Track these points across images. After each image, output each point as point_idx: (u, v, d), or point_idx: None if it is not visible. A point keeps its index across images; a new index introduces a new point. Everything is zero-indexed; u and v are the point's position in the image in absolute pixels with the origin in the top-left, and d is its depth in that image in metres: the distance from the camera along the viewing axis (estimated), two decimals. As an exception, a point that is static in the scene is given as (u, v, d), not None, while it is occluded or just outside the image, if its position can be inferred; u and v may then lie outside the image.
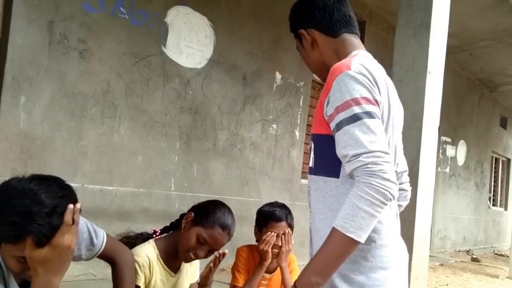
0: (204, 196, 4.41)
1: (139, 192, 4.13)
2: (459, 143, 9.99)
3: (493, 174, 12.04)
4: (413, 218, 2.61)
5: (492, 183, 12.03)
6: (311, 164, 1.30)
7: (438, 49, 2.82)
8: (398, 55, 2.86)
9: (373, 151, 1.07)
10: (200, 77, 4.64)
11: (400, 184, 1.35)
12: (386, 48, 6.75)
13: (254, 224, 2.35)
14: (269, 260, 2.21)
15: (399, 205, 1.44)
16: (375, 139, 1.09)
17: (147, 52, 4.14)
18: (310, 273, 1.10)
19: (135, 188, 4.11)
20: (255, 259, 2.30)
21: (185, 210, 1.89)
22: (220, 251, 1.77)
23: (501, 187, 12.54)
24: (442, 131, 8.84)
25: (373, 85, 1.16)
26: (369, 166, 1.06)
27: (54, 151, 3.50)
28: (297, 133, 5.88)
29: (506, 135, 12.31)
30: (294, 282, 1.14)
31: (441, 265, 7.67)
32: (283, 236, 2.22)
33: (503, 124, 12.14)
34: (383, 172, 1.05)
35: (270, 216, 2.25)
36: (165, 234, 1.88)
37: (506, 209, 12.62)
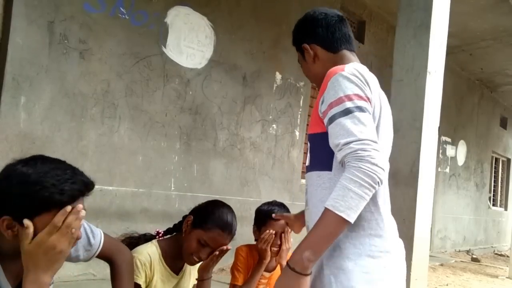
0: (204, 196, 4.40)
1: (139, 192, 4.13)
2: (459, 143, 9.99)
3: (493, 174, 12.04)
4: (413, 218, 2.61)
5: (492, 183, 12.03)
6: (307, 163, 1.39)
7: (438, 49, 2.82)
8: (398, 55, 2.86)
9: (363, 139, 1.16)
10: (200, 77, 4.64)
11: None
12: (386, 48, 6.77)
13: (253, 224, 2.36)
14: (268, 259, 2.22)
15: None
16: (364, 129, 1.18)
17: (147, 52, 4.15)
18: (302, 250, 1.16)
19: (135, 188, 4.11)
20: (254, 258, 2.30)
21: (185, 210, 1.89)
22: (224, 247, 1.76)
23: (501, 187, 12.54)
24: (442, 131, 8.85)
25: (365, 85, 1.25)
26: (358, 152, 1.15)
27: (54, 151, 3.50)
28: (297, 133, 5.88)
29: (506, 135, 12.32)
30: (287, 261, 1.19)
31: (441, 265, 7.68)
32: (282, 234, 2.22)
33: (503, 124, 12.14)
34: (371, 158, 1.14)
35: (268, 215, 2.26)
36: (168, 236, 1.88)
37: (506, 209, 12.62)
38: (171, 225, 1.91)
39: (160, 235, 1.87)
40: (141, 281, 1.66)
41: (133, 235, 1.88)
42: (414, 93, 2.73)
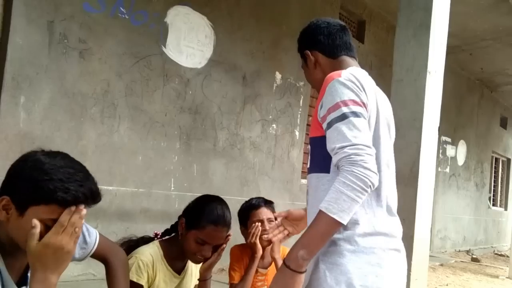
0: (204, 196, 4.41)
1: (139, 192, 4.13)
2: (459, 143, 9.99)
3: (493, 174, 12.04)
4: (413, 218, 2.61)
5: (492, 183, 12.03)
6: (308, 165, 1.45)
7: (438, 49, 2.82)
8: (398, 55, 2.86)
9: (356, 144, 1.21)
10: (200, 77, 4.64)
11: None
12: (386, 48, 6.76)
13: None
14: (260, 252, 2.23)
15: None
16: (359, 134, 1.23)
17: (147, 52, 4.14)
18: (297, 249, 1.22)
19: (135, 188, 4.11)
20: (249, 256, 2.31)
21: (185, 210, 1.89)
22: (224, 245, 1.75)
23: (501, 187, 12.54)
24: (442, 131, 8.84)
25: (361, 90, 1.31)
26: (351, 156, 1.20)
27: (54, 151, 3.50)
28: (297, 133, 5.88)
29: (506, 135, 12.32)
30: (284, 259, 1.25)
31: (441, 265, 7.68)
32: (272, 223, 2.24)
33: (503, 124, 12.14)
34: (364, 162, 1.19)
35: (248, 208, 2.31)
36: (167, 236, 1.87)
37: (506, 209, 12.62)
38: (171, 225, 1.91)
39: (159, 236, 1.87)
40: (143, 281, 1.66)
41: (131, 238, 1.87)
42: (414, 93, 2.73)
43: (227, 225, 1.76)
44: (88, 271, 3.63)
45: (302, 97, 5.93)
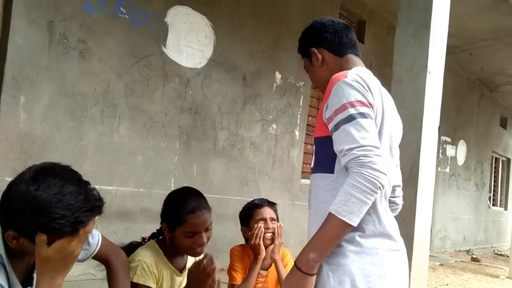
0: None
1: (139, 192, 4.13)
2: (459, 143, 9.99)
3: (493, 174, 12.03)
4: (413, 218, 2.61)
5: (492, 183, 12.03)
6: (312, 165, 1.45)
7: (438, 49, 2.82)
8: (398, 55, 2.86)
9: (365, 146, 1.21)
10: (200, 77, 4.64)
11: (392, 197, 1.49)
12: (386, 48, 6.76)
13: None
14: (263, 254, 2.22)
15: None
16: (367, 135, 1.23)
17: (147, 52, 4.14)
18: (308, 252, 1.24)
19: (135, 188, 4.11)
20: (249, 257, 2.31)
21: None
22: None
23: (501, 187, 12.54)
24: (442, 131, 8.85)
25: (367, 91, 1.30)
26: (360, 158, 1.20)
27: (54, 151, 3.50)
28: (297, 133, 5.88)
29: (506, 135, 12.31)
30: (294, 261, 1.26)
31: (441, 265, 7.67)
32: (274, 229, 2.24)
33: (503, 124, 12.14)
34: (373, 163, 1.19)
35: (251, 207, 2.32)
36: (161, 237, 1.86)
37: (506, 209, 12.62)
38: (156, 230, 1.90)
39: (147, 240, 1.85)
40: (150, 282, 1.66)
41: (120, 246, 1.84)
42: (414, 93, 2.73)
43: (205, 207, 1.74)
44: (88, 271, 3.63)
45: (302, 97, 5.93)
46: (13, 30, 3.29)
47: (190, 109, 4.56)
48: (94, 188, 1.19)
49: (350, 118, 1.24)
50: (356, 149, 1.21)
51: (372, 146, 1.22)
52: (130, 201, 4.06)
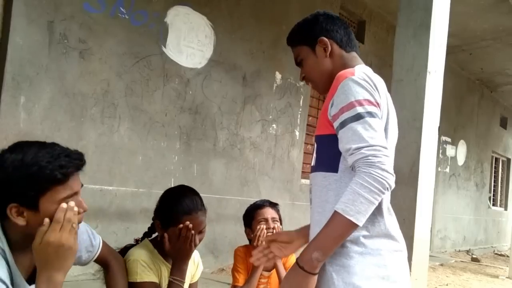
0: (204, 196, 4.43)
1: (139, 192, 4.13)
2: (459, 143, 9.99)
3: (493, 174, 12.03)
4: (413, 218, 2.61)
5: (492, 183, 12.03)
6: (313, 163, 1.41)
7: (438, 49, 2.82)
8: (398, 55, 2.86)
9: (373, 145, 1.19)
10: (200, 77, 4.64)
11: None
12: (386, 48, 6.76)
13: None
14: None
15: None
16: (375, 135, 1.21)
17: (147, 52, 4.14)
18: (311, 250, 1.21)
19: (135, 188, 4.11)
20: None
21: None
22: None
23: (501, 187, 12.54)
24: (442, 131, 8.85)
25: (374, 90, 1.28)
26: (369, 158, 1.18)
27: (54, 151, 3.50)
28: (297, 133, 5.88)
29: (506, 135, 12.32)
30: (296, 259, 1.23)
31: (441, 265, 7.68)
32: (273, 231, 2.24)
33: (503, 124, 12.14)
34: (382, 164, 1.18)
35: (253, 208, 2.33)
36: (154, 235, 1.84)
37: (506, 209, 12.62)
38: (148, 228, 1.87)
39: (140, 241, 1.83)
40: (153, 277, 1.65)
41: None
42: (414, 93, 2.73)
43: (201, 209, 1.72)
44: (88, 271, 3.63)
45: (302, 97, 5.93)
46: (13, 30, 3.29)
47: (190, 109, 4.56)
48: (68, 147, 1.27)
49: (358, 117, 1.22)
50: (365, 148, 1.19)
51: (381, 146, 1.20)
52: (130, 201, 4.06)
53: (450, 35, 3.10)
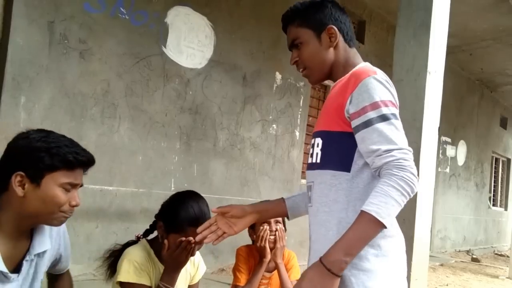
0: (204, 196, 4.44)
1: (139, 192, 4.13)
2: (459, 143, 9.99)
3: (493, 174, 12.03)
4: (413, 218, 2.61)
5: (492, 183, 12.03)
6: (315, 160, 1.34)
7: (438, 49, 2.82)
8: (398, 55, 2.86)
9: (403, 148, 1.19)
10: (200, 77, 4.64)
11: None
12: (386, 48, 6.76)
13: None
14: (269, 257, 2.22)
15: None
16: (403, 138, 1.21)
17: (147, 52, 4.15)
18: (339, 252, 1.16)
19: (135, 188, 4.11)
20: (255, 258, 2.31)
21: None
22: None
23: (501, 187, 12.54)
24: (442, 131, 8.85)
25: (394, 92, 1.29)
26: (400, 161, 1.17)
27: (54, 151, 3.50)
28: (297, 133, 5.88)
29: (506, 135, 12.31)
30: (320, 259, 1.18)
31: (441, 265, 7.67)
32: (276, 232, 2.23)
33: (503, 124, 12.14)
34: (411, 168, 1.17)
35: None
36: (153, 236, 1.83)
37: (506, 209, 12.62)
38: (149, 225, 1.86)
39: (141, 238, 1.81)
40: (144, 280, 1.64)
41: (116, 248, 1.81)
42: (414, 93, 2.73)
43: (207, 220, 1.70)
44: (88, 271, 3.63)
45: (302, 97, 5.93)
46: (13, 30, 3.30)
47: (190, 109, 4.56)
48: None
49: (384, 118, 1.20)
50: (396, 151, 1.17)
51: (408, 150, 1.19)
52: (130, 201, 4.06)
53: (450, 35, 3.10)
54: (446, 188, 9.52)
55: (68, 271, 1.61)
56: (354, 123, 1.23)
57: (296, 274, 2.33)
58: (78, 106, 3.69)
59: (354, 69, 1.32)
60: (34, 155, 1.22)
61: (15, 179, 1.21)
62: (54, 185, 1.24)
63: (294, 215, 1.55)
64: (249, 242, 2.42)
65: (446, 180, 9.57)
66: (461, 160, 10.13)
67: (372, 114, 1.20)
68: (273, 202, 1.56)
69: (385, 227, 1.16)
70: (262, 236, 2.20)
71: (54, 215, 1.27)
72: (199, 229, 1.46)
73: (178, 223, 1.65)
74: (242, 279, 2.27)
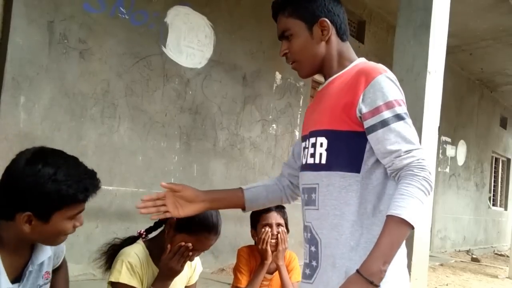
0: (204, 196, 4.45)
1: (139, 192, 4.13)
2: (459, 143, 9.99)
3: (493, 174, 12.03)
4: (413, 218, 2.61)
5: (492, 183, 12.03)
6: (318, 160, 1.27)
7: (438, 49, 2.82)
8: (398, 55, 2.86)
9: (420, 148, 1.19)
10: (200, 77, 4.64)
11: None
12: (386, 48, 6.76)
13: None
14: (270, 259, 2.22)
15: None
16: (417, 137, 1.20)
17: (147, 52, 4.14)
18: (378, 262, 1.11)
19: (135, 188, 4.11)
20: (256, 259, 2.30)
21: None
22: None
23: (501, 187, 12.54)
24: (442, 131, 8.85)
25: (402, 91, 1.28)
26: (421, 161, 1.16)
27: (54, 151, 3.49)
28: (297, 133, 5.88)
29: (506, 135, 12.31)
30: (358, 271, 1.12)
31: (441, 265, 7.67)
32: (278, 234, 2.23)
33: (503, 124, 12.14)
34: (429, 167, 1.17)
35: (259, 211, 2.27)
36: (152, 235, 1.81)
37: (506, 209, 12.62)
38: (154, 223, 1.82)
39: (143, 235, 1.79)
40: (134, 282, 1.62)
41: (115, 243, 1.79)
42: (414, 93, 2.73)
43: (218, 233, 1.69)
44: (88, 271, 3.63)
45: (302, 97, 5.93)
46: (13, 30, 3.29)
47: (190, 109, 4.56)
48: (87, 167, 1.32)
49: (399, 118, 1.18)
50: (415, 151, 1.16)
51: (422, 149, 1.19)
52: (130, 201, 4.06)
53: (450, 35, 3.10)
54: (446, 188, 9.52)
55: (64, 260, 1.57)
56: (368, 123, 1.19)
57: (297, 275, 2.32)
58: (78, 106, 3.69)
59: (360, 66, 1.29)
60: (44, 198, 1.19)
61: (23, 218, 1.20)
62: (62, 219, 1.24)
63: (251, 207, 1.49)
64: (250, 242, 2.42)
65: (446, 180, 9.57)
66: (461, 160, 10.13)
67: (387, 114, 1.17)
68: (230, 192, 1.50)
69: (414, 228, 1.14)
70: (264, 239, 2.19)
71: (59, 240, 1.31)
72: (144, 197, 1.42)
73: (194, 223, 1.60)
74: (243, 280, 2.26)
